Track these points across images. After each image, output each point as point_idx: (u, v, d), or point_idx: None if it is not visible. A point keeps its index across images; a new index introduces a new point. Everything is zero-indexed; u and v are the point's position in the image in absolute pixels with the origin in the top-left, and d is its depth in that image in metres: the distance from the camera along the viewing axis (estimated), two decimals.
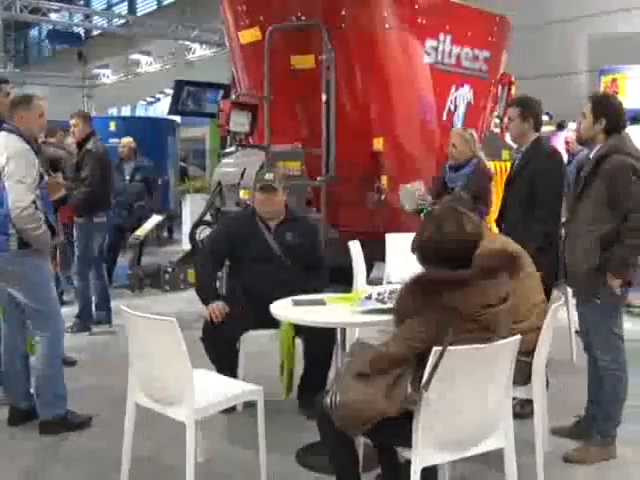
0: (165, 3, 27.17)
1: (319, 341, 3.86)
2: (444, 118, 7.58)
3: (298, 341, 3.95)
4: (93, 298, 6.31)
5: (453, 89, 7.67)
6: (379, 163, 7.07)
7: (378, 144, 7.04)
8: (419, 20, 7.22)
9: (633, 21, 13.95)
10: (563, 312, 4.67)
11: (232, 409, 3.79)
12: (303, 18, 6.89)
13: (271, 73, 6.92)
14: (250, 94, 7.43)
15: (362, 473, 2.91)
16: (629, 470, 3.53)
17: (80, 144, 6.15)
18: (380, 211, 7.01)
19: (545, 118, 5.64)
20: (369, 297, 3.44)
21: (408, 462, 2.59)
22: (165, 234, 13.26)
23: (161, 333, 2.97)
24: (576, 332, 4.59)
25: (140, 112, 26.07)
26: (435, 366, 2.44)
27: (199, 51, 22.99)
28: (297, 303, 3.56)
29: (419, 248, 2.72)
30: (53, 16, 23.35)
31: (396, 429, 2.59)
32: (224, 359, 4.05)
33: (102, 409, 4.16)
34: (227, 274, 4.93)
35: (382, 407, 2.53)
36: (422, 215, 5.10)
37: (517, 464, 2.78)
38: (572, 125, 9.24)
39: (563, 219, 4.09)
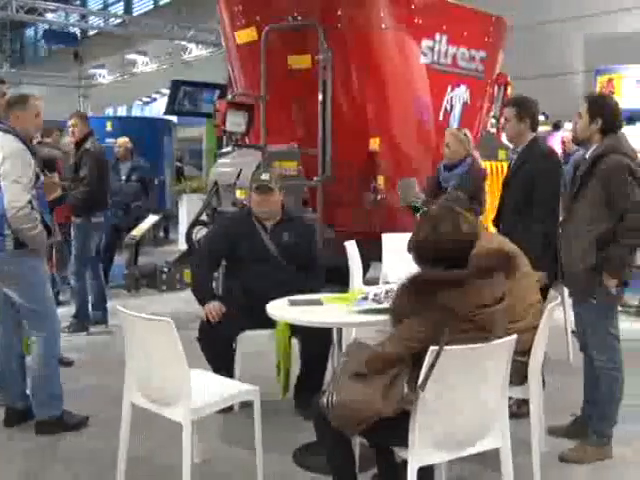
0: (161, 3, 27.16)
1: (315, 341, 3.86)
2: (440, 118, 7.60)
3: (294, 341, 3.94)
4: (90, 298, 6.31)
5: (449, 89, 7.68)
6: (375, 163, 7.07)
7: (374, 144, 7.05)
8: (415, 20, 7.24)
9: (631, 21, 13.97)
10: (559, 312, 4.68)
11: (229, 409, 3.80)
12: (299, 18, 6.89)
13: (267, 73, 6.91)
14: (246, 94, 7.42)
15: (358, 473, 2.91)
16: (625, 470, 3.54)
17: (78, 144, 6.15)
18: (376, 211, 7.01)
19: (541, 118, 5.65)
20: (365, 297, 3.44)
21: (405, 462, 2.59)
22: (161, 234, 13.23)
23: (157, 333, 2.97)
24: (572, 332, 4.60)
25: (136, 112, 26.06)
26: (431, 366, 2.45)
27: (195, 51, 22.96)
28: (293, 303, 3.56)
29: (415, 248, 2.72)
30: (49, 16, 23.39)
31: (393, 429, 2.59)
32: (220, 359, 4.05)
33: (100, 409, 4.15)
34: (224, 274, 4.93)
35: (379, 407, 2.53)
36: (418, 215, 5.10)
37: (513, 464, 2.79)
38: (568, 125, 9.25)
39: (561, 219, 4.09)
